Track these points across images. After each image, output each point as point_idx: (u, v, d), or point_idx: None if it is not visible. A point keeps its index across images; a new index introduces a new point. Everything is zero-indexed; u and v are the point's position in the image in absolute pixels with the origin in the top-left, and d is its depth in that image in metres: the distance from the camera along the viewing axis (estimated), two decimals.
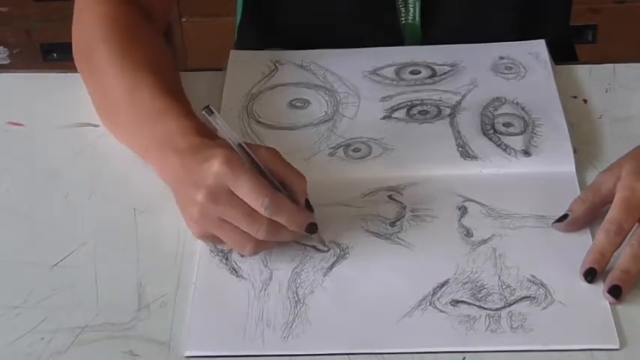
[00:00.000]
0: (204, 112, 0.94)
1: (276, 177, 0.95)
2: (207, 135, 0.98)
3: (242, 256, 0.96)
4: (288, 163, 0.97)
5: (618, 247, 0.94)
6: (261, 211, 0.92)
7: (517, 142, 1.08)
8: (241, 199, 0.92)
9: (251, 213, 0.92)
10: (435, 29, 1.27)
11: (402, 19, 1.27)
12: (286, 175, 0.96)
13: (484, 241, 0.98)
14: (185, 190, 0.95)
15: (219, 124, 0.94)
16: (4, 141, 1.13)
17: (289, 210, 0.93)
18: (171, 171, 0.98)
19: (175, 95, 1.04)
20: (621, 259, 0.93)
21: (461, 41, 1.23)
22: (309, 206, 0.97)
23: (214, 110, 0.94)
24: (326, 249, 0.97)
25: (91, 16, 1.13)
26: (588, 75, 1.19)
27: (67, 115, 1.14)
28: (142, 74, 1.06)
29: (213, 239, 0.96)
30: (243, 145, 0.95)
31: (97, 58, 1.09)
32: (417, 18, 1.27)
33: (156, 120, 1.01)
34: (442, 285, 0.93)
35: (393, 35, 1.27)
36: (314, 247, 0.97)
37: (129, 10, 1.13)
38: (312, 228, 0.95)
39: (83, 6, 1.14)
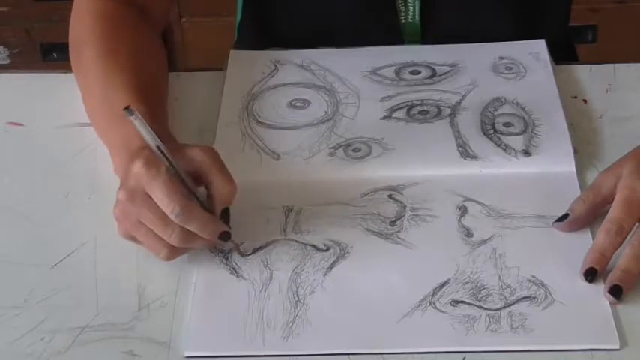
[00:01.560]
0: (124, 112, 0.93)
1: (204, 180, 0.95)
2: (164, 138, 0.97)
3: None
4: (221, 167, 0.96)
5: (618, 246, 0.94)
6: (172, 217, 0.91)
7: (517, 142, 1.08)
8: (156, 203, 0.92)
9: (164, 218, 0.92)
10: (435, 29, 1.27)
11: (402, 18, 1.27)
12: (212, 179, 0.95)
13: (484, 241, 0.98)
14: (119, 188, 0.96)
15: (137, 125, 0.93)
16: (4, 141, 1.13)
17: (200, 219, 0.92)
18: (119, 170, 0.99)
19: (146, 97, 1.04)
20: (621, 258, 0.93)
21: (460, 41, 1.23)
22: (225, 214, 0.96)
23: (134, 111, 0.93)
24: (242, 253, 0.96)
25: (85, 14, 1.14)
26: (588, 75, 1.19)
27: (67, 115, 1.14)
28: (119, 76, 1.06)
29: (135, 239, 0.95)
30: (161, 148, 0.94)
31: (84, 57, 1.11)
32: (417, 17, 1.27)
33: (121, 121, 1.01)
34: (442, 285, 0.93)
35: (392, 34, 1.27)
36: (314, 246, 0.97)
37: (125, 10, 1.14)
38: (224, 236, 0.94)
39: (81, 5, 1.15)
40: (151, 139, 0.94)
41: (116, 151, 1.03)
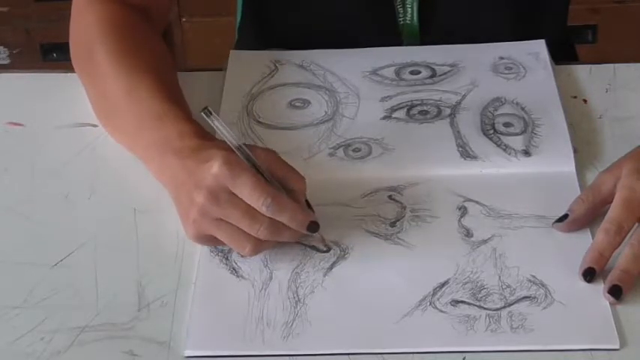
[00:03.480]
0: (202, 114, 0.94)
1: (275, 177, 0.95)
2: (206, 137, 0.98)
3: (242, 256, 0.96)
4: (287, 164, 0.97)
5: (618, 246, 0.94)
6: (263, 210, 0.92)
7: (517, 142, 1.08)
8: (241, 200, 0.92)
9: (252, 212, 0.92)
10: (433, 30, 1.27)
11: (400, 19, 1.27)
12: (286, 175, 0.96)
13: (484, 241, 0.98)
14: (184, 191, 0.95)
15: (218, 125, 0.94)
16: (4, 141, 1.13)
17: (291, 209, 0.93)
18: (170, 173, 0.98)
19: (174, 98, 1.04)
20: (621, 258, 0.93)
21: (459, 41, 1.23)
22: (309, 206, 0.97)
23: (212, 112, 0.94)
24: (325, 249, 0.97)
25: (89, 18, 1.13)
26: (588, 75, 1.19)
27: (67, 115, 1.14)
28: (140, 76, 1.06)
29: (209, 241, 0.96)
30: (242, 146, 0.94)
31: (96, 60, 1.09)
32: (415, 18, 1.27)
33: (155, 123, 1.01)
34: (442, 285, 0.93)
35: (391, 35, 1.27)
36: (314, 247, 0.97)
37: (127, 11, 1.13)
38: (313, 227, 0.95)
39: (81, 7, 1.14)
40: (232, 138, 0.94)
41: (151, 153, 1.02)
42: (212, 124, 0.94)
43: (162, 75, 1.07)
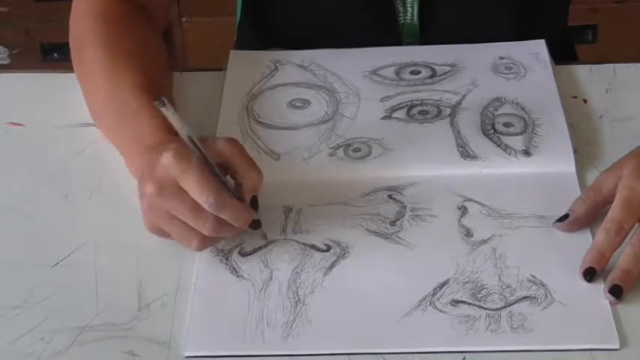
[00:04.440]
0: (156, 104, 0.93)
1: (230, 170, 0.95)
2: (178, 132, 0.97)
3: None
4: (247, 157, 0.96)
5: (618, 246, 0.94)
6: (206, 207, 0.92)
7: (517, 142, 1.08)
8: (188, 194, 0.92)
9: (197, 208, 0.92)
10: (433, 29, 1.27)
11: (401, 18, 1.27)
12: (240, 168, 0.95)
13: (484, 241, 0.98)
14: (141, 182, 0.95)
15: (170, 116, 0.93)
16: (4, 141, 1.13)
17: (232, 207, 0.93)
18: (137, 166, 0.99)
19: (155, 94, 1.04)
20: (622, 258, 0.93)
21: (459, 41, 1.23)
22: (254, 202, 0.96)
23: (167, 102, 0.92)
24: (265, 242, 0.97)
25: (85, 14, 1.14)
26: (588, 75, 1.19)
27: (67, 115, 1.14)
28: (123, 73, 1.07)
29: (163, 233, 0.95)
30: (193, 138, 0.93)
31: (86, 57, 1.11)
32: (416, 18, 1.27)
33: (132, 119, 1.01)
34: (442, 285, 0.93)
35: (391, 35, 1.27)
36: (314, 246, 0.97)
37: (124, 8, 1.14)
38: (255, 225, 0.95)
39: (79, 3, 1.15)
40: (183, 129, 0.93)
41: (128, 148, 1.03)
42: (166, 115, 0.93)
43: (147, 71, 1.08)
